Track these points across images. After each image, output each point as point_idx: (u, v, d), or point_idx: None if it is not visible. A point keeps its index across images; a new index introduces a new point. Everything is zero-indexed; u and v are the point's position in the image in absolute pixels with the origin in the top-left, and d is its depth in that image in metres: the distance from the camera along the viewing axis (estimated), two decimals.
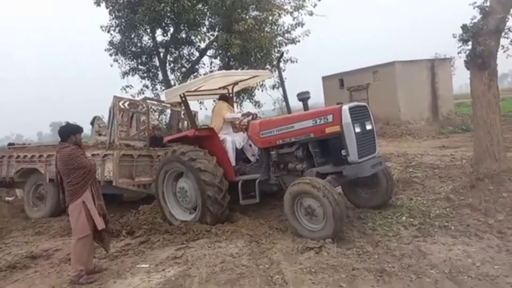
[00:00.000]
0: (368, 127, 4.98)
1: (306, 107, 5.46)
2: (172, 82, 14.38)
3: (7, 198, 9.88)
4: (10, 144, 9.89)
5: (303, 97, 5.37)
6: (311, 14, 13.55)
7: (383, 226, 4.67)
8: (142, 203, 6.83)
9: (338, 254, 3.91)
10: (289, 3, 13.49)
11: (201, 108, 13.40)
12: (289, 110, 6.21)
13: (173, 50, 14.67)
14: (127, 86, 14.31)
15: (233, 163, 5.77)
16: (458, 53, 6.34)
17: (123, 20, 13.00)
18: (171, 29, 13.93)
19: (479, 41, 5.75)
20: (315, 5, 13.40)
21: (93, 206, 4.13)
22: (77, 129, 4.31)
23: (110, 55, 14.25)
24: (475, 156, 6.15)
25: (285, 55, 13.39)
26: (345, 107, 4.68)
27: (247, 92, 13.75)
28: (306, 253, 4.02)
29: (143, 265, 4.19)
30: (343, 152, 4.67)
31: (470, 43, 6.00)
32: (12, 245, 5.71)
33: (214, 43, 13.27)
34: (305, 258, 3.90)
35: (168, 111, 13.28)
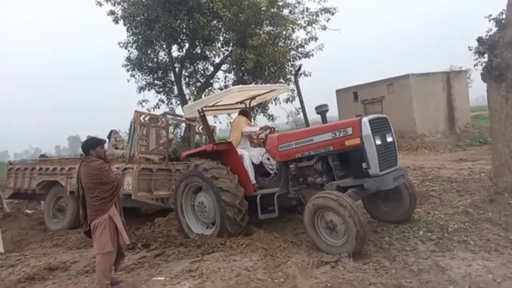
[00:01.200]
0: (389, 139, 4.89)
1: (324, 120, 5.42)
2: (187, 97, 14.65)
3: (26, 211, 10.11)
4: (42, 155, 10.51)
5: (322, 110, 5.32)
6: (324, 28, 13.68)
7: (400, 240, 4.60)
8: (157, 216, 6.89)
9: (354, 269, 3.85)
10: (303, 18, 13.68)
11: (215, 122, 13.57)
12: (307, 123, 6.19)
13: (188, 65, 14.97)
14: (143, 101, 14.65)
15: (253, 180, 5.75)
16: (475, 65, 6.31)
17: (140, 37, 13.40)
18: (187, 45, 14.26)
19: (496, 54, 5.71)
20: (329, 19, 13.54)
21: (119, 221, 4.10)
22: (98, 142, 4.25)
23: (127, 70, 14.65)
24: (494, 170, 6.03)
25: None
26: (365, 119, 4.63)
27: (261, 106, 13.86)
28: (322, 267, 3.98)
29: (159, 278, 4.21)
30: (364, 165, 4.59)
31: (486, 55, 5.96)
32: (30, 257, 5.81)
33: (229, 58, 13.50)
34: (321, 273, 3.86)
35: (183, 125, 13.49)
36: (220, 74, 15.04)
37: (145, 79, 14.85)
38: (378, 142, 4.61)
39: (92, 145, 4.18)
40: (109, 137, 9.78)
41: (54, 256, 5.65)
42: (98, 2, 13.14)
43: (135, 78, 14.79)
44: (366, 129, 4.56)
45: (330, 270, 3.89)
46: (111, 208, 4.05)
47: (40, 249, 6.32)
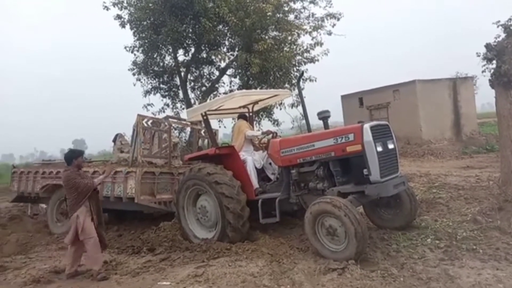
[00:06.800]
0: (390, 146, 4.92)
1: (326, 125, 5.47)
2: (192, 101, 14.68)
3: (33, 213, 10.10)
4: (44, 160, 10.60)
5: (324, 116, 5.38)
6: (330, 34, 13.72)
7: (407, 248, 4.55)
8: (162, 220, 6.86)
9: (361, 276, 3.81)
10: (308, 23, 13.72)
11: (220, 127, 13.58)
12: (309, 129, 6.21)
13: (193, 69, 15.03)
14: (149, 104, 14.72)
15: (256, 185, 5.76)
16: (483, 71, 6.27)
17: (146, 41, 13.49)
18: (192, 49, 14.33)
19: (504, 60, 5.66)
20: (334, 25, 13.57)
21: (81, 220, 4.72)
22: (78, 153, 5.13)
23: (133, 74, 14.73)
24: (502, 177, 5.96)
25: (304, 74, 13.49)
26: (366, 126, 4.66)
27: (266, 111, 13.86)
28: (329, 274, 3.93)
29: (165, 283, 4.18)
30: (365, 171, 4.62)
31: (494, 62, 5.92)
32: (36, 260, 5.81)
33: (234, 62, 13.54)
34: (327, 280, 3.82)
35: (188, 129, 13.50)
36: (225, 78, 15.12)
37: (150, 83, 14.94)
38: (379, 148, 4.64)
39: (73, 156, 5.05)
40: (114, 140, 9.75)
41: (59, 259, 5.64)
42: (105, 7, 13.25)
43: (141, 82, 14.89)
44: (368, 136, 4.58)
45: (337, 277, 3.84)
46: (80, 209, 4.79)
47: (46, 252, 6.31)
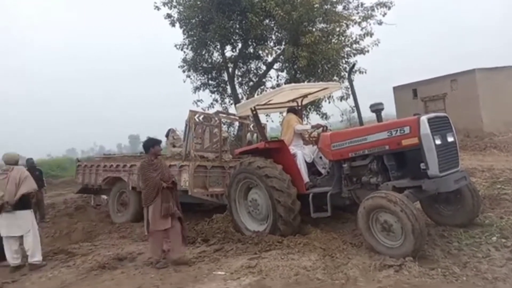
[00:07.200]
0: (450, 139, 4.69)
1: (379, 118, 5.30)
2: (240, 96, 14.86)
3: (96, 204, 10.87)
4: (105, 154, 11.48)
5: (377, 108, 5.21)
6: (380, 23, 13.20)
7: (470, 246, 4.29)
8: (215, 212, 7.07)
9: (420, 274, 3.67)
10: (357, 13, 13.29)
11: (267, 121, 13.63)
12: (361, 122, 6.06)
13: (241, 65, 15.19)
14: (198, 101, 15.14)
15: (307, 179, 5.75)
16: None
17: (195, 38, 13.86)
18: (240, 45, 14.47)
19: None
20: (385, 14, 13.03)
21: (150, 213, 4.84)
22: (155, 142, 5.14)
23: (183, 71, 15.21)
24: None
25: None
26: (424, 118, 4.48)
27: (314, 104, 13.68)
28: (385, 270, 3.83)
29: (219, 272, 4.32)
30: (422, 166, 4.44)
31: None
32: (100, 247, 6.25)
33: (281, 56, 13.49)
34: (383, 276, 3.72)
35: (236, 123, 13.72)
36: (272, 73, 15.11)
37: (200, 79, 15.34)
38: (438, 142, 4.44)
39: (150, 144, 5.07)
40: (167, 135, 10.16)
41: (121, 247, 6.03)
42: (156, 7, 13.77)
43: (191, 79, 15.34)
44: (425, 128, 4.40)
45: (393, 274, 3.74)
46: (151, 203, 4.83)
47: (109, 240, 6.77)
